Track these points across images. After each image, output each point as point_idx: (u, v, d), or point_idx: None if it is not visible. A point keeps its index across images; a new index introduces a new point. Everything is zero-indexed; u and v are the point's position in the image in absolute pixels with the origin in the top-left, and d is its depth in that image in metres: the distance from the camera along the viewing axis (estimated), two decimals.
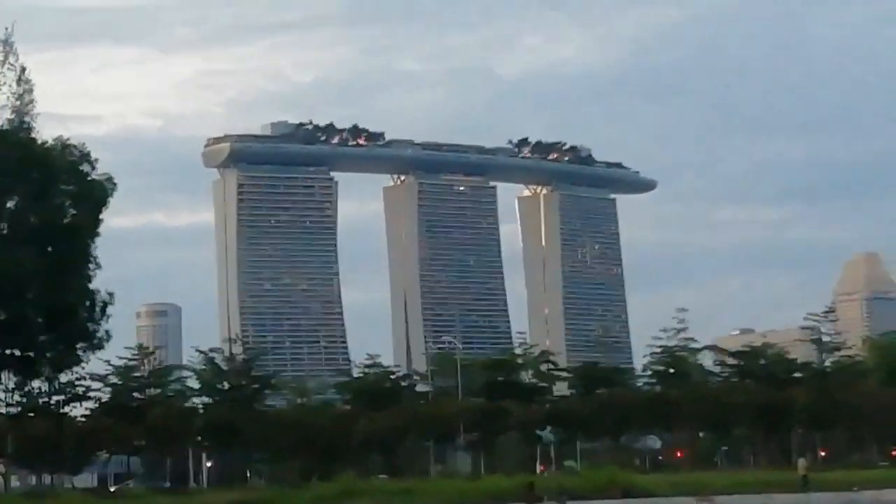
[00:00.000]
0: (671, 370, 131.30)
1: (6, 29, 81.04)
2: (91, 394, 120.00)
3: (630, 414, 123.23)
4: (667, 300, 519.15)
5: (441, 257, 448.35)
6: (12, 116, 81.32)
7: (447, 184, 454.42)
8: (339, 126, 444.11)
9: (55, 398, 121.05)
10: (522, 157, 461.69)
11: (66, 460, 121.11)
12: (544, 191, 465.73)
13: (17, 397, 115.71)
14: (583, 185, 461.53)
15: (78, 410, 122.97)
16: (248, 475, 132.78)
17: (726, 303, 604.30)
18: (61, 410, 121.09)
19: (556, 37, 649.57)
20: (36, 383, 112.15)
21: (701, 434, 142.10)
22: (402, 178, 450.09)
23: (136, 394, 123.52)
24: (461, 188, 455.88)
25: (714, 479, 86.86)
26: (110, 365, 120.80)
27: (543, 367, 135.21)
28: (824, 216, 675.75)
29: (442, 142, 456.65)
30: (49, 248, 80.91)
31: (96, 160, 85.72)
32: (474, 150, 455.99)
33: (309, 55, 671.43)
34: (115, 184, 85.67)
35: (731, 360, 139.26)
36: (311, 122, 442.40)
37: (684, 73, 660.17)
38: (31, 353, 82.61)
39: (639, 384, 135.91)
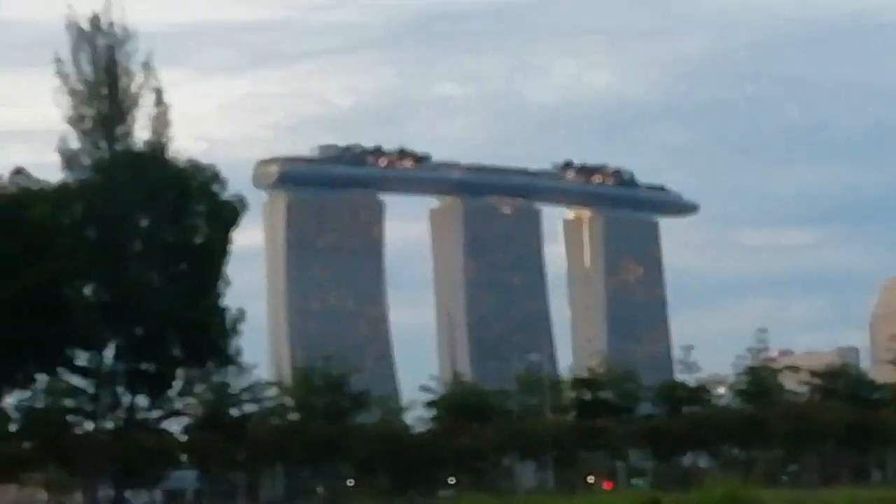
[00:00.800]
0: (754, 388, 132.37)
1: (146, 52, 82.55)
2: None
3: (723, 432, 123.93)
4: (708, 321, 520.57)
5: (486, 278, 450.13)
6: (150, 137, 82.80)
7: (492, 206, 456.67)
8: (385, 149, 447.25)
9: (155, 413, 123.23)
10: (566, 180, 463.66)
11: (163, 476, 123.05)
12: (588, 213, 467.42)
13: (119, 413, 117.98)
14: (626, 207, 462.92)
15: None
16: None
17: (764, 324, 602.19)
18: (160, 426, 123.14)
19: (589, 62, 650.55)
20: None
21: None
22: (449, 199, 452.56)
23: (231, 410, 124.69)
24: (506, 210, 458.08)
25: (834, 496, 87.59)
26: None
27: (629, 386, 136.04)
28: (856, 240, 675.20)
29: (486, 164, 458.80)
30: (182, 267, 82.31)
31: (226, 180, 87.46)
32: (519, 173, 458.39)
33: (349, 79, 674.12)
34: (245, 204, 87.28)
35: (814, 381, 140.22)
36: (358, 145, 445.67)
37: (718, 101, 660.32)
38: (165, 370, 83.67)
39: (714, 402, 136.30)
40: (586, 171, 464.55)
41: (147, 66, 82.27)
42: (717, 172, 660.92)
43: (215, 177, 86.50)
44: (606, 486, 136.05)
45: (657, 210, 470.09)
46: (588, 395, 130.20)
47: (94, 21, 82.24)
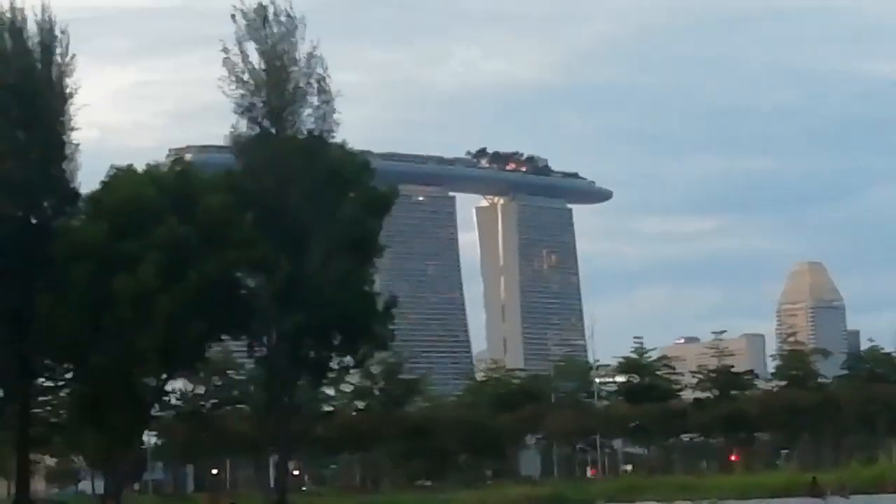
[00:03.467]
0: (793, 373, 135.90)
1: (312, 42, 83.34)
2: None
3: (769, 417, 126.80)
4: (620, 309, 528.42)
5: (401, 266, 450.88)
6: (314, 126, 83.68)
7: (406, 194, 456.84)
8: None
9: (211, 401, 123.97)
10: (480, 168, 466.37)
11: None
12: (502, 201, 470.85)
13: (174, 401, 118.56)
14: (540, 195, 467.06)
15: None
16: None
17: (670, 313, 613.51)
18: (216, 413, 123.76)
19: (490, 49, 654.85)
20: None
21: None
22: None
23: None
24: (420, 198, 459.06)
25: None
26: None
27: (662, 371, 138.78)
28: (762, 228, 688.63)
29: (399, 152, 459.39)
30: (341, 254, 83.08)
31: (374, 169, 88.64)
32: (433, 161, 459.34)
33: None
34: (397, 192, 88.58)
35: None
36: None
37: (620, 88, 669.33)
38: (325, 356, 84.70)
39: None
40: (500, 158, 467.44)
41: (312, 56, 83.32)
42: (621, 158, 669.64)
43: (366, 165, 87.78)
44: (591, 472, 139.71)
45: (571, 197, 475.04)
46: (637, 380, 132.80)
47: (261, 11, 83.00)
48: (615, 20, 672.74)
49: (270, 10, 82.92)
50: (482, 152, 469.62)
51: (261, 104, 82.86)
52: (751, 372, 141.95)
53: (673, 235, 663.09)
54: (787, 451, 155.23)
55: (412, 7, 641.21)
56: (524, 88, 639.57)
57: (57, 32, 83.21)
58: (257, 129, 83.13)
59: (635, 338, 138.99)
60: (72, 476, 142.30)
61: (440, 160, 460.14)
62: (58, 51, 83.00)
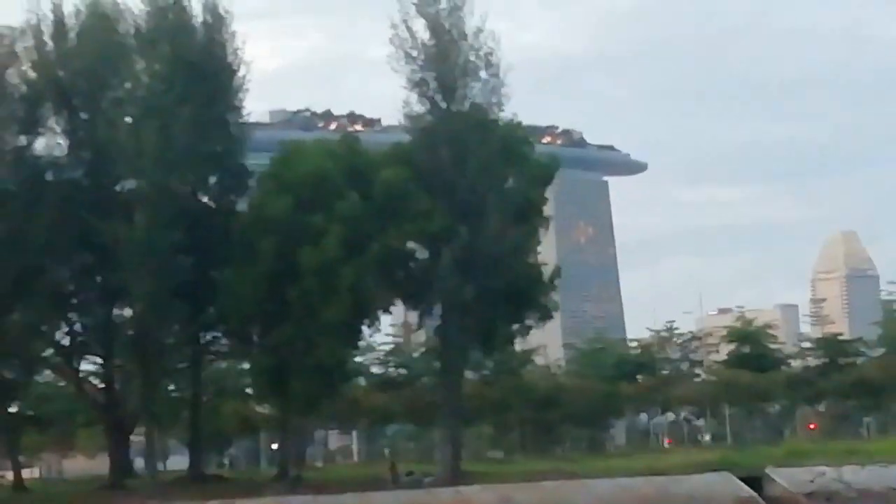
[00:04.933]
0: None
1: (480, 17, 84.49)
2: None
3: (892, 383, 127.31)
4: (655, 280, 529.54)
5: None
6: (482, 100, 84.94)
7: None
8: (335, 112, 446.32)
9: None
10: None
11: None
12: None
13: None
14: (576, 167, 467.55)
15: None
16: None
17: (707, 282, 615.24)
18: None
19: (522, 22, 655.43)
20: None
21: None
22: None
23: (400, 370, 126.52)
24: None
25: None
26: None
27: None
28: (789, 195, 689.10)
29: None
30: (509, 225, 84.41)
31: (532, 141, 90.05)
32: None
33: (275, 43, 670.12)
34: (559, 164, 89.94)
35: None
36: (307, 109, 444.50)
37: (651, 52, 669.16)
38: (493, 326, 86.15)
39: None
40: (536, 131, 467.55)
41: (480, 31, 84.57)
42: (654, 127, 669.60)
43: (527, 138, 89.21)
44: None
45: (607, 170, 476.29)
46: (747, 349, 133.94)
47: None
48: None
49: None
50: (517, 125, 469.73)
51: (431, 79, 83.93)
52: (859, 339, 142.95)
53: (704, 204, 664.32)
54: (868, 419, 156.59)
55: None
56: (557, 60, 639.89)
57: (221, 11, 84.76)
58: (427, 104, 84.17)
59: (737, 307, 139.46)
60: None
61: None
62: (222, 28, 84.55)
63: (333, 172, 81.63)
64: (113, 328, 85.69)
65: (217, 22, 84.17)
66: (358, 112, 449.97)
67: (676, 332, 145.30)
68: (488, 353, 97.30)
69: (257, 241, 79.77)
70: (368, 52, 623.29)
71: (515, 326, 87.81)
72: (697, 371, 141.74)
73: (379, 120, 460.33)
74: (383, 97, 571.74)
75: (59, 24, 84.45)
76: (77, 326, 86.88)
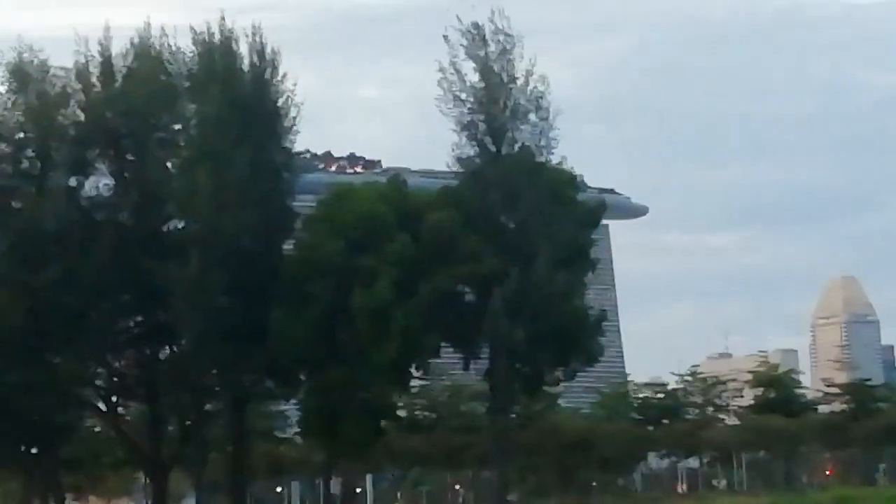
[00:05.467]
0: None
1: (530, 60, 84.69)
2: None
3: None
4: (653, 324, 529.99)
5: None
6: (530, 142, 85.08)
7: None
8: (335, 154, 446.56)
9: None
10: None
11: None
12: None
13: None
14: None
15: None
16: None
17: (703, 327, 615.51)
18: None
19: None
20: None
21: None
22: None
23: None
24: None
25: None
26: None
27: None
28: (790, 241, 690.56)
29: (436, 169, 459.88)
30: (557, 268, 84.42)
31: (579, 183, 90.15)
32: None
33: None
34: (605, 206, 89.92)
35: None
36: (307, 150, 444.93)
37: (646, 100, 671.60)
38: (538, 370, 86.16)
39: None
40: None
41: (529, 74, 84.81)
42: (646, 172, 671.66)
43: (574, 180, 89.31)
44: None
45: (608, 213, 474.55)
46: (772, 394, 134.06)
47: (479, 30, 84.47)
48: (638, 32, 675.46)
49: (487, 28, 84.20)
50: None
51: (480, 122, 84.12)
52: (885, 385, 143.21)
53: (700, 249, 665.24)
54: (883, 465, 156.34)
55: (434, 22, 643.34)
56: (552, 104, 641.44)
57: (269, 53, 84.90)
58: (476, 147, 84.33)
59: (760, 351, 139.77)
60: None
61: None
62: (269, 71, 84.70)
63: (384, 214, 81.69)
64: (157, 369, 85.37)
65: (267, 63, 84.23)
66: (358, 154, 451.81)
67: (700, 376, 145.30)
68: (534, 396, 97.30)
69: (308, 282, 79.72)
70: (361, 93, 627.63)
71: (561, 370, 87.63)
72: (721, 416, 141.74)
73: (379, 161, 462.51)
74: (379, 139, 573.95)
75: (107, 65, 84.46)
76: (121, 367, 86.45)
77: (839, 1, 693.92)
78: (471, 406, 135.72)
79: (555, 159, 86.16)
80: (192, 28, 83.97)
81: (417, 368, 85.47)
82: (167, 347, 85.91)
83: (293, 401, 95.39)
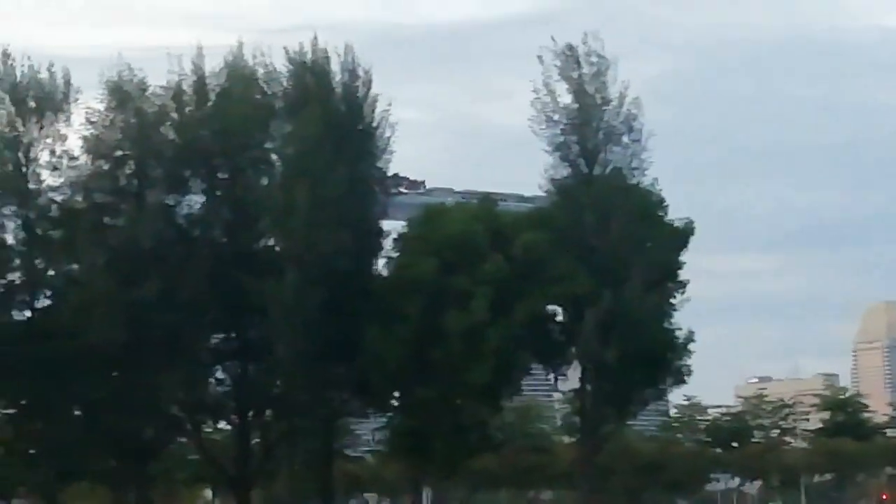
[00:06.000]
0: None
1: (623, 83, 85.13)
2: None
3: None
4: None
5: None
6: (621, 164, 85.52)
7: None
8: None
9: None
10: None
11: None
12: None
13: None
14: None
15: None
16: None
17: (741, 351, 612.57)
18: None
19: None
20: None
21: None
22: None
23: None
24: None
25: None
26: None
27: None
28: (825, 265, 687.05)
29: (479, 189, 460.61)
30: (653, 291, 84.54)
31: (666, 205, 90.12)
32: (513, 198, 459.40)
33: None
34: (693, 228, 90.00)
35: None
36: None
37: (676, 124, 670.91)
38: (627, 390, 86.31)
39: None
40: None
41: (623, 96, 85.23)
42: (682, 193, 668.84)
43: (662, 201, 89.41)
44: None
45: None
46: (840, 417, 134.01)
47: (572, 51, 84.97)
48: (663, 58, 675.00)
49: (580, 49, 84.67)
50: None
51: (573, 143, 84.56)
52: None
53: (737, 273, 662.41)
54: None
55: (465, 43, 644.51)
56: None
57: (360, 73, 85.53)
58: (569, 168, 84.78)
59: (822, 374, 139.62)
60: None
61: (520, 197, 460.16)
62: (363, 90, 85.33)
63: (477, 235, 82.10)
64: (249, 387, 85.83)
65: (359, 83, 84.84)
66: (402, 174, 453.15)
67: (766, 399, 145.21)
68: (624, 416, 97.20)
69: (401, 301, 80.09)
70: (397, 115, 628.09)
71: (649, 390, 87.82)
72: (787, 438, 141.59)
73: (423, 182, 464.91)
74: (422, 159, 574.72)
75: (201, 84, 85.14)
76: (211, 384, 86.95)
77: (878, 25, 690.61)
78: (536, 427, 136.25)
79: (645, 181, 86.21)
80: (284, 48, 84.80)
81: (508, 389, 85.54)
82: (254, 365, 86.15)
83: (376, 420, 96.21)
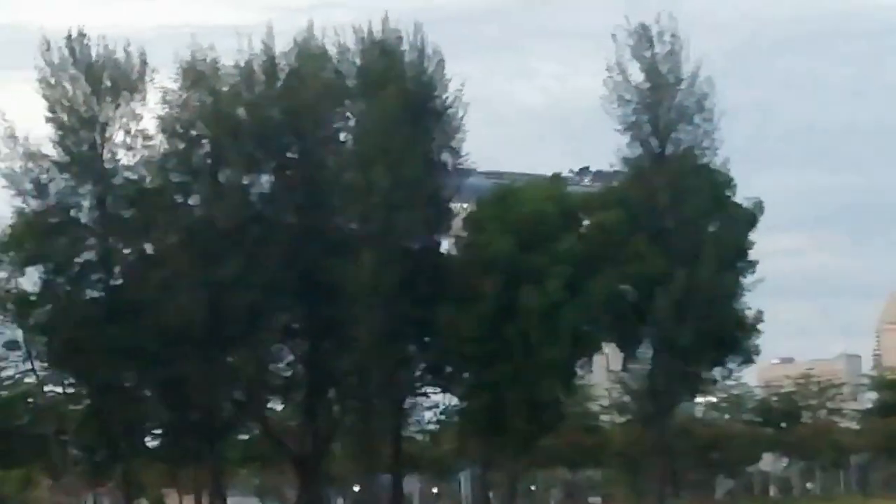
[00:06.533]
0: None
1: (696, 62, 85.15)
2: None
3: None
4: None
5: None
6: (691, 144, 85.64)
7: None
8: None
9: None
10: (584, 185, 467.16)
11: None
12: None
13: None
14: None
15: None
16: None
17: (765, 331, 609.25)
18: None
19: (577, 65, 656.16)
20: None
21: None
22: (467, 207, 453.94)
23: None
24: None
25: None
26: None
27: None
28: (849, 246, 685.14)
29: (503, 170, 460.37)
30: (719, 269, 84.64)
31: (735, 185, 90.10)
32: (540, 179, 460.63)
33: None
34: (762, 207, 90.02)
35: None
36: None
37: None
38: (698, 370, 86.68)
39: None
40: (604, 176, 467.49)
41: (695, 75, 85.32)
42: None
43: (730, 181, 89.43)
44: None
45: None
46: (890, 397, 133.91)
47: (645, 31, 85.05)
48: (698, 37, 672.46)
49: (654, 29, 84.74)
50: (585, 170, 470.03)
51: (645, 123, 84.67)
52: None
53: (760, 253, 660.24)
54: None
55: (495, 23, 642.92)
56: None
57: (429, 51, 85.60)
58: (640, 148, 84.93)
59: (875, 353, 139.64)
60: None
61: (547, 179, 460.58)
62: (435, 70, 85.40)
63: (552, 214, 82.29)
64: (318, 366, 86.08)
65: (430, 63, 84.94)
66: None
67: (813, 379, 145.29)
68: (693, 396, 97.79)
69: (477, 280, 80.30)
70: None
71: (718, 369, 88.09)
72: (834, 419, 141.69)
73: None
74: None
75: (271, 63, 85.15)
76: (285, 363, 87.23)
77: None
78: (584, 406, 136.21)
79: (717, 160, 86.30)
80: (353, 27, 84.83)
81: (581, 366, 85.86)
82: (325, 344, 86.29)
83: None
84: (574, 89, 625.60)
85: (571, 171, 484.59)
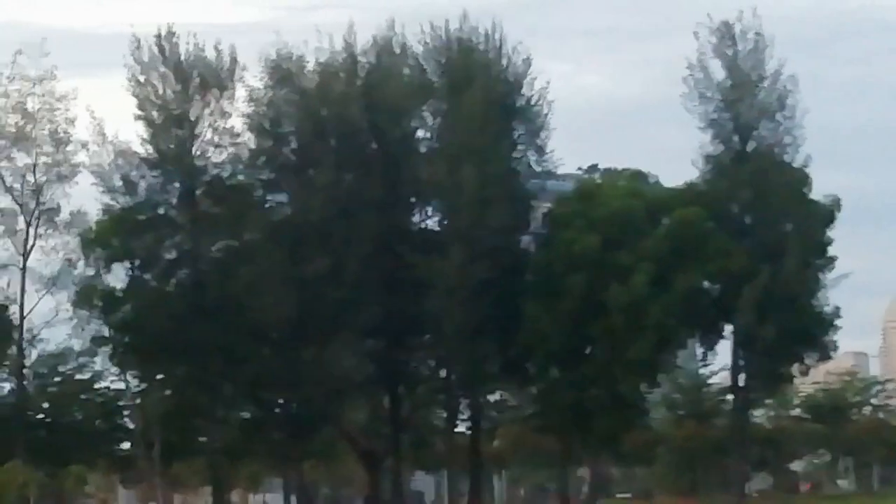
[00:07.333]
0: None
1: (779, 60, 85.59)
2: None
3: None
4: None
5: None
6: (769, 142, 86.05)
7: None
8: None
9: None
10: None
11: None
12: None
13: None
14: None
15: None
16: None
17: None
18: None
19: (583, 64, 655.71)
20: None
21: None
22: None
23: None
24: None
25: None
26: None
27: None
28: (852, 245, 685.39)
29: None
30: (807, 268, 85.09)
31: (811, 182, 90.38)
32: (548, 176, 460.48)
33: None
34: (840, 204, 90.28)
35: None
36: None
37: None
38: (776, 365, 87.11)
39: None
40: (612, 174, 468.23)
41: (778, 73, 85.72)
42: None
43: (806, 178, 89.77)
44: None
45: None
46: None
47: (728, 28, 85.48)
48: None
49: (737, 27, 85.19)
50: (594, 168, 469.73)
51: (727, 120, 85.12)
52: None
53: None
54: None
55: (505, 23, 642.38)
56: (619, 104, 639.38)
57: (513, 52, 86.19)
58: (722, 145, 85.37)
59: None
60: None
61: (556, 177, 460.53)
62: (521, 68, 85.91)
63: (637, 210, 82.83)
64: (397, 362, 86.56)
65: (515, 60, 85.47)
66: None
67: (858, 376, 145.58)
68: (773, 392, 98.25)
69: (562, 277, 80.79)
70: None
71: (797, 365, 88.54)
72: (880, 415, 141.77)
73: None
74: None
75: (352, 61, 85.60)
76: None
77: None
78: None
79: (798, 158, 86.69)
80: (431, 25, 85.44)
81: (665, 363, 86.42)
82: (407, 340, 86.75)
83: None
84: (579, 87, 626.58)
85: (580, 168, 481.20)
